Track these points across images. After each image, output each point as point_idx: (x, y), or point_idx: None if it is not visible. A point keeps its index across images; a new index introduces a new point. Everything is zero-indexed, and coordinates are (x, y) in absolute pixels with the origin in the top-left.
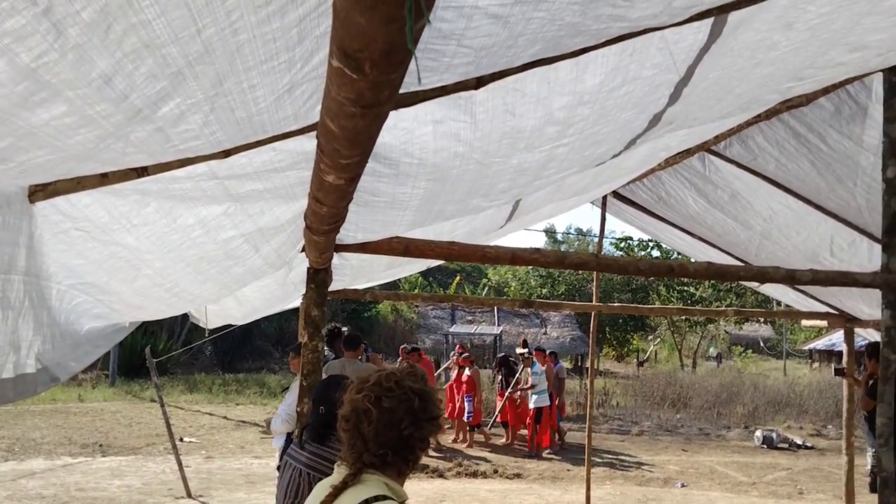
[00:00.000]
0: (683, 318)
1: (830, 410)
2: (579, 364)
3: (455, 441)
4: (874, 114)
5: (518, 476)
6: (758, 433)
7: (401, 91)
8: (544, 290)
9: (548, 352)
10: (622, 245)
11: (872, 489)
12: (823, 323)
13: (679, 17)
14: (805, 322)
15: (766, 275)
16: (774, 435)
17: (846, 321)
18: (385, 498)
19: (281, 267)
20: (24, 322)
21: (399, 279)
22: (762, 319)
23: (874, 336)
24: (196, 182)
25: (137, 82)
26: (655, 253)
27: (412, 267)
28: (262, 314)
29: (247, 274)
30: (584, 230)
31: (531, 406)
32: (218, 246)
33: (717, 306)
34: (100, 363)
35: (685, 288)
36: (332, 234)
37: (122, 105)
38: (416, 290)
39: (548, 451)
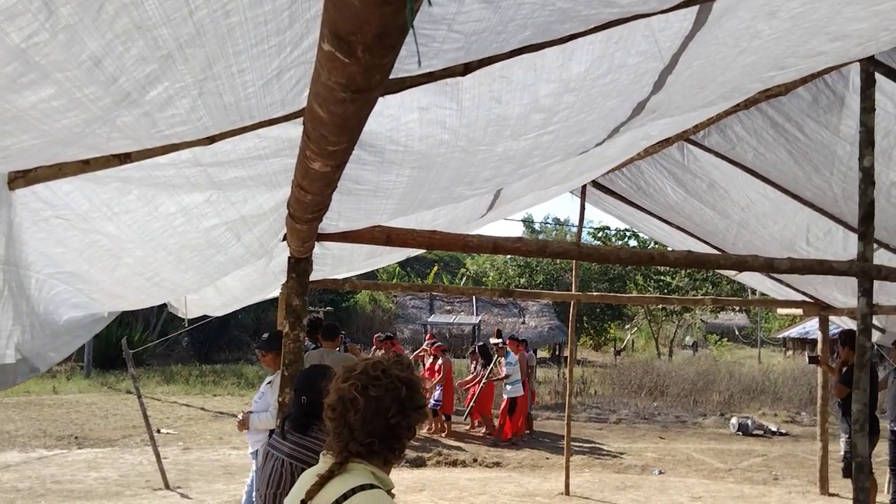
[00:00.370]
0: (660, 307)
1: (804, 398)
2: (557, 353)
3: (430, 431)
4: (851, 104)
5: (497, 465)
6: (733, 420)
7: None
8: (522, 280)
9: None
10: (600, 235)
11: (846, 474)
12: (799, 311)
13: (668, 3)
14: (780, 310)
15: (745, 263)
16: (749, 422)
17: (821, 309)
18: (372, 486)
19: (263, 256)
20: (4, 312)
21: (377, 269)
22: (737, 308)
23: (848, 324)
24: (179, 169)
25: (127, 65)
26: (633, 243)
27: (393, 256)
28: (243, 304)
29: (228, 263)
30: (562, 220)
31: (505, 396)
32: (200, 234)
33: (694, 295)
34: (74, 354)
35: (661, 277)
36: (315, 223)
37: (111, 88)
38: (395, 280)
39: (520, 438)
